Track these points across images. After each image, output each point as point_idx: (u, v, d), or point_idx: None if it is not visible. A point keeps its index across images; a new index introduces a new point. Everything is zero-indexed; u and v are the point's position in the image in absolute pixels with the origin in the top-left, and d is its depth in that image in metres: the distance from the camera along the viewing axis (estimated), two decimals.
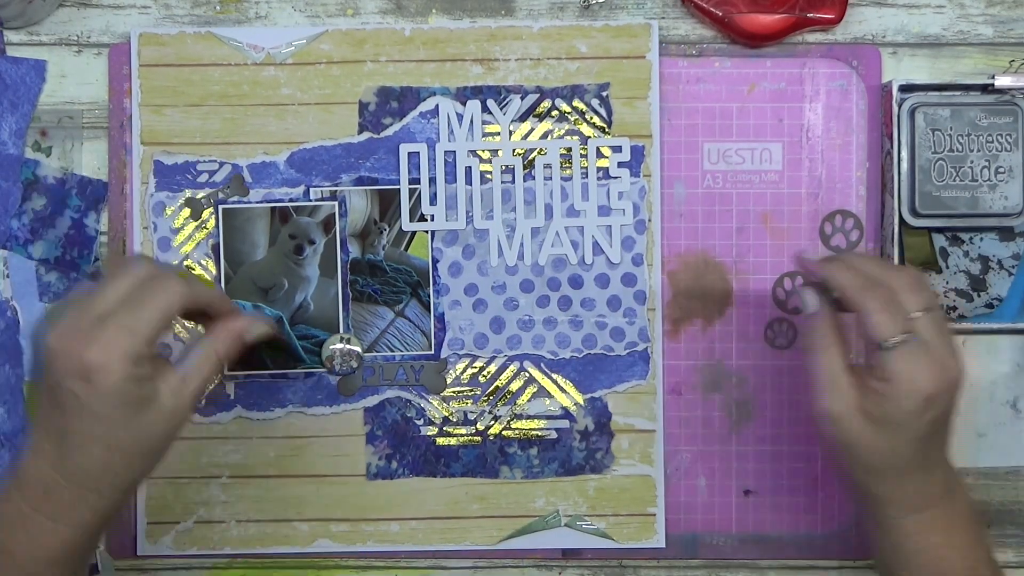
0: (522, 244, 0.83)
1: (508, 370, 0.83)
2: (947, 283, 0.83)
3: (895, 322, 0.65)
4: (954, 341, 0.67)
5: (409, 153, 0.83)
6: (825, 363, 0.68)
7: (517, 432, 0.83)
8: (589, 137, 0.83)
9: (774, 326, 0.84)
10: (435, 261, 0.83)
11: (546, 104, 0.83)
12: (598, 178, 0.83)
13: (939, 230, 0.83)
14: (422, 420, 0.83)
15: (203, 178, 0.83)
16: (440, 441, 0.83)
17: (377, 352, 0.83)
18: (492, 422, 0.83)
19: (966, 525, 0.70)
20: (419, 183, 0.83)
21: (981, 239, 0.83)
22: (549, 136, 0.83)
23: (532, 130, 0.83)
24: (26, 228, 0.83)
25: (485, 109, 0.83)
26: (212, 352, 0.69)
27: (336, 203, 0.83)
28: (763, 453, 0.84)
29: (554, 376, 0.83)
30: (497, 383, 0.83)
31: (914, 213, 0.81)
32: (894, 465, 0.67)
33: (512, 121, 0.83)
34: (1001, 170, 0.81)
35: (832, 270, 0.68)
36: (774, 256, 0.84)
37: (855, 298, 0.67)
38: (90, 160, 0.84)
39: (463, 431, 0.83)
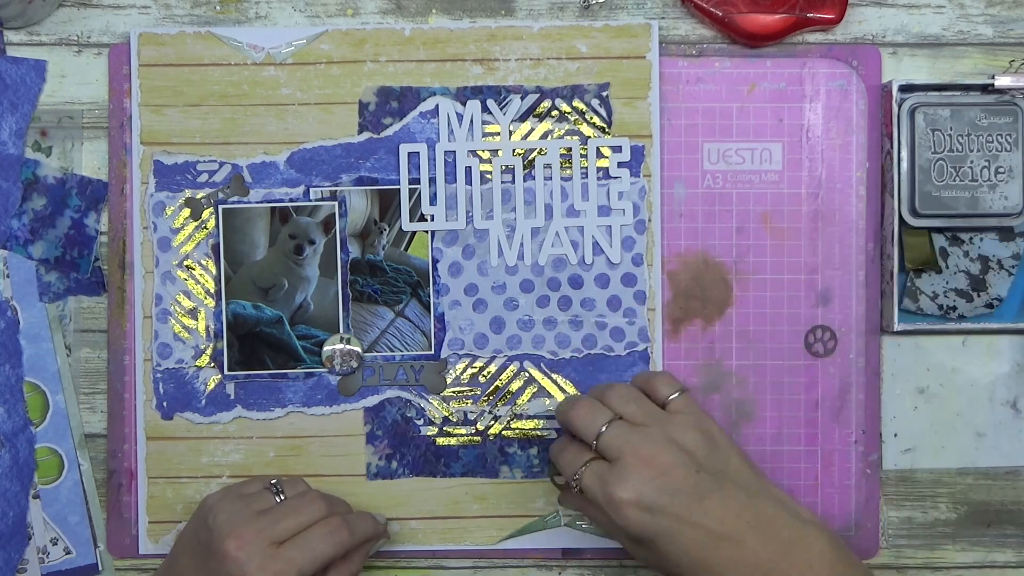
0: (522, 244, 0.83)
1: (508, 370, 0.83)
2: (947, 283, 0.83)
3: (577, 459, 0.74)
4: (643, 440, 0.71)
5: (409, 153, 0.83)
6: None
7: (517, 432, 0.83)
8: (589, 137, 0.83)
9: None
10: (435, 261, 0.83)
11: (546, 104, 0.83)
12: (598, 178, 0.83)
13: (939, 230, 0.83)
14: (422, 420, 0.83)
15: (203, 178, 0.83)
16: (440, 441, 0.83)
17: (377, 352, 0.83)
18: (492, 422, 0.83)
19: None
20: (419, 183, 0.83)
21: (981, 239, 0.83)
22: (549, 136, 0.83)
23: (532, 130, 0.83)
24: (26, 228, 0.83)
25: (485, 109, 0.83)
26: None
27: (336, 203, 0.83)
28: (763, 453, 0.84)
29: (554, 376, 0.83)
30: (497, 383, 0.83)
31: (914, 213, 0.81)
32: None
33: (512, 121, 0.83)
34: (1001, 170, 0.81)
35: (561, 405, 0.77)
36: (774, 256, 0.84)
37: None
38: (90, 160, 0.84)
39: (463, 431, 0.83)
